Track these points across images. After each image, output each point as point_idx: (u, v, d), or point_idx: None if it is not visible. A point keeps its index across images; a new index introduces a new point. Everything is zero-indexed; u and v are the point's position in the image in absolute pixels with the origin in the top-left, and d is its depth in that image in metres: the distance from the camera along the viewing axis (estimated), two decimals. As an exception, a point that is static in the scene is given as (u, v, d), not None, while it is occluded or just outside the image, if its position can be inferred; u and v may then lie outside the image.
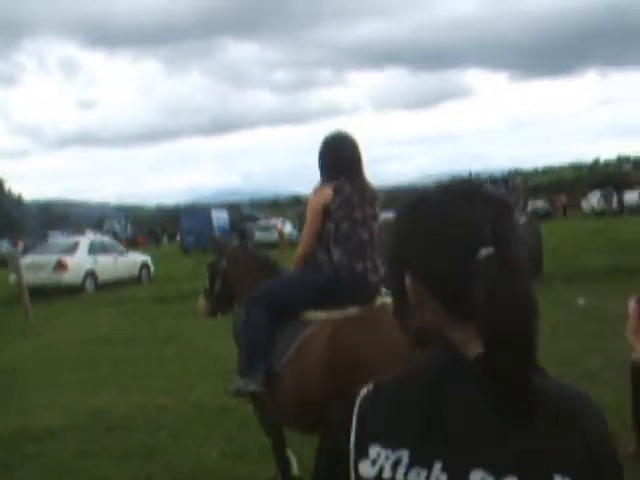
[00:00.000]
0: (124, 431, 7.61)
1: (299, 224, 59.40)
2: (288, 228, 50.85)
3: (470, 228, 1.23)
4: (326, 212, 4.62)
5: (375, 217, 4.78)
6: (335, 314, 4.49)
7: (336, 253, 4.62)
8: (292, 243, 41.29)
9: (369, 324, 4.28)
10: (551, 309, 10.94)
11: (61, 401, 9.00)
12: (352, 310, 4.48)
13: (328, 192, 4.63)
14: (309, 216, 4.73)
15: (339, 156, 4.74)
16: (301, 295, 4.67)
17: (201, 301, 5.76)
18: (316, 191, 4.74)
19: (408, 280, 1.31)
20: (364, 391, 1.29)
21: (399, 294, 1.35)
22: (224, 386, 6.22)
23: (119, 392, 9.34)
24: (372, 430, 1.26)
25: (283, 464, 5.34)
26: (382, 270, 4.68)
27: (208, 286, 5.67)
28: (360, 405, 1.29)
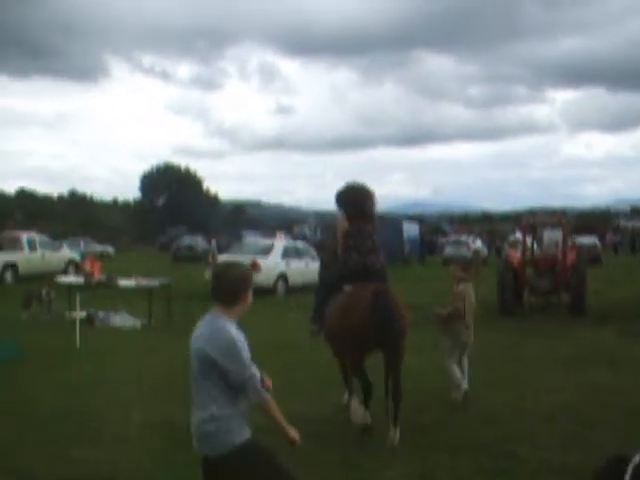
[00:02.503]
0: (314, 439, 7.56)
1: (487, 240, 58.66)
2: (478, 244, 50.06)
3: None
4: (347, 234, 8.42)
5: (373, 233, 8.47)
6: (358, 286, 7.96)
7: (354, 255, 8.29)
8: (483, 260, 40.59)
9: (388, 289, 7.98)
10: None
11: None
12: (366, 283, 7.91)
13: (345, 223, 8.46)
14: (339, 235, 8.59)
15: (350, 202, 8.54)
16: (339, 278, 8.29)
17: None
18: (341, 220, 8.56)
19: None
20: (637, 458, 1.12)
21: None
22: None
23: (311, 397, 9.35)
24: None
25: (363, 382, 7.96)
26: (381, 262, 8.41)
27: None
28: (633, 472, 1.11)
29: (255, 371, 3.98)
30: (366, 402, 7.91)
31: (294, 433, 4.13)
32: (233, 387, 3.94)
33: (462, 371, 9.33)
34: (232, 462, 3.96)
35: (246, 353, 3.96)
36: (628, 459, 1.19)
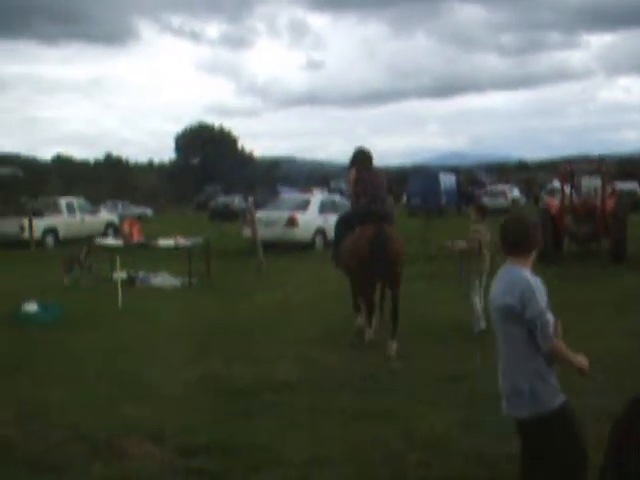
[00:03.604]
0: (357, 391, 7.64)
1: (525, 190, 58.10)
2: (515, 193, 49.63)
3: None
4: (356, 181, 10.12)
5: (380, 185, 10.19)
6: (363, 227, 9.60)
7: (363, 200, 10.00)
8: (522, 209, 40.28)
9: (388, 228, 9.68)
10: None
11: (296, 355, 9.21)
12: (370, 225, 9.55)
13: (355, 174, 10.18)
14: (351, 184, 10.35)
15: (359, 158, 10.40)
16: (356, 218, 10.01)
17: None
18: (351, 172, 10.34)
19: None
20: None
21: None
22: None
23: (350, 351, 9.42)
24: None
25: (368, 304, 9.86)
26: (385, 206, 10.19)
27: None
28: None
29: (550, 317, 3.94)
30: (370, 320, 9.98)
31: (584, 361, 4.04)
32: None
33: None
34: (548, 425, 3.91)
35: (542, 298, 3.94)
36: None
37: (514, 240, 4.13)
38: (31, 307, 12.30)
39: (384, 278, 9.75)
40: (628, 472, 1.08)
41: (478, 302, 10.31)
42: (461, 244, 10.70)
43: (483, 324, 10.16)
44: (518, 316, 3.93)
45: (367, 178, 10.08)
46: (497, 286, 4.15)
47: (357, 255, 9.55)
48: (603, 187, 19.18)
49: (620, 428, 1.07)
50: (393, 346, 9.27)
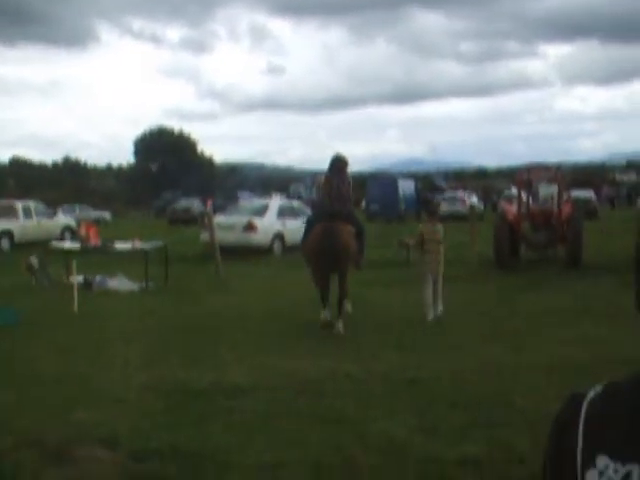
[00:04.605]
0: (313, 395, 7.61)
1: (483, 196, 58.65)
2: (473, 200, 50.04)
3: None
4: (324, 185, 11.85)
5: (346, 190, 11.53)
6: (320, 224, 11.15)
7: (326, 201, 11.57)
8: (479, 215, 40.57)
9: (339, 225, 11.01)
10: None
11: (251, 360, 9.16)
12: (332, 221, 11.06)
13: (322, 179, 12.30)
14: (322, 187, 12.21)
15: (334, 164, 11.72)
16: (318, 216, 11.84)
17: None
18: (324, 177, 12.02)
19: None
20: (592, 393, 1.17)
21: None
22: None
23: (308, 356, 9.40)
24: (600, 438, 1.14)
25: (322, 290, 11.38)
26: (347, 206, 11.65)
27: None
28: (587, 409, 1.17)
29: None
30: (324, 304, 11.36)
31: None
32: None
33: (436, 297, 11.77)
34: None
35: None
36: (583, 397, 1.21)
37: None
38: (-17, 310, 12.10)
39: (332, 268, 11.20)
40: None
41: (429, 295, 11.73)
42: (410, 239, 12.89)
43: (431, 315, 11.60)
44: None
45: (334, 182, 11.51)
46: None
47: (310, 247, 11.34)
48: (559, 194, 19.42)
49: (558, 426, 1.09)
50: (340, 325, 11.01)
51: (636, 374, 1.19)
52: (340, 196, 11.44)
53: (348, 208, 11.78)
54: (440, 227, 12.12)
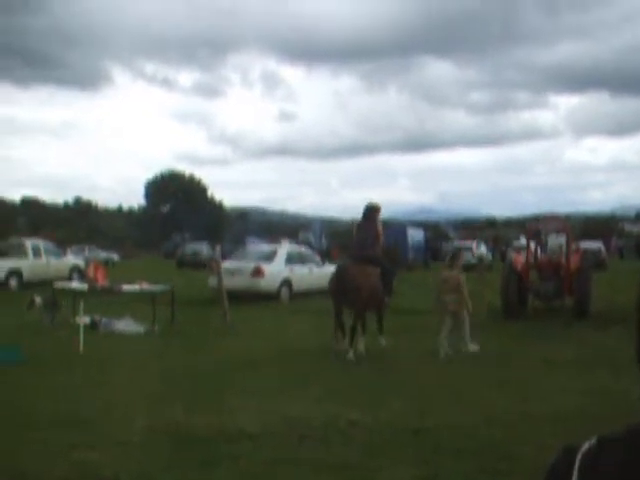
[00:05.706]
0: (317, 442, 7.56)
1: (492, 246, 58.59)
2: (482, 249, 49.99)
3: None
4: (356, 231, 13.43)
5: (375, 235, 12.98)
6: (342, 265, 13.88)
7: (356, 247, 13.25)
8: (488, 265, 40.42)
9: (358, 267, 12.66)
10: None
11: (256, 405, 9.11)
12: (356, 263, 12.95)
13: (358, 225, 13.50)
14: (355, 232, 13.68)
15: (365, 213, 13.32)
16: (346, 259, 14.73)
17: None
18: (357, 224, 13.60)
19: None
20: (586, 445, 1.19)
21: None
22: None
23: (313, 402, 9.34)
24: None
25: (337, 322, 13.00)
26: (375, 250, 12.94)
27: None
28: (581, 461, 1.17)
29: None
30: (336, 336, 12.95)
31: None
32: None
33: (463, 336, 12.83)
34: None
35: None
36: (577, 449, 1.22)
37: None
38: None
39: (344, 305, 12.77)
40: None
41: (443, 337, 12.58)
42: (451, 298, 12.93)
43: (442, 353, 12.42)
44: None
45: (364, 228, 13.21)
46: None
47: (329, 287, 13.50)
48: (568, 245, 19.41)
49: (552, 478, 1.10)
50: (350, 353, 12.24)
51: (630, 427, 1.18)
52: (369, 240, 12.96)
53: (375, 251, 13.08)
54: (461, 273, 13.16)
